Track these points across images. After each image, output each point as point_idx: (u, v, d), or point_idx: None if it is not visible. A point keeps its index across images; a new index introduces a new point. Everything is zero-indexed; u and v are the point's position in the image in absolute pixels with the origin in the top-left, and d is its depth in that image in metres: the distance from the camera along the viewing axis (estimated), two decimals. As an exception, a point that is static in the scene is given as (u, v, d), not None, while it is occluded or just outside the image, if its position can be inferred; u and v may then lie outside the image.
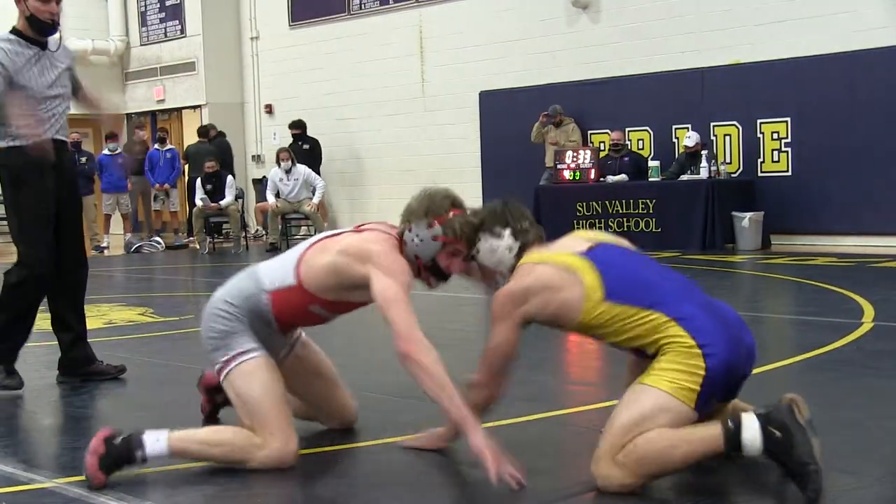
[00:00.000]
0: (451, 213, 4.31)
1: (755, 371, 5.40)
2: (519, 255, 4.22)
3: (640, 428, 3.76)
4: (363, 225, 4.61)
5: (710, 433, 3.74)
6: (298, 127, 18.09)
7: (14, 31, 6.07)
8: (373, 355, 7.14)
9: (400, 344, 4.06)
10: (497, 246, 4.26)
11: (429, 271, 4.42)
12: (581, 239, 4.23)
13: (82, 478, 4.17)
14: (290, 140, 18.06)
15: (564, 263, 4.05)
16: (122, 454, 4.14)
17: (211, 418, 4.95)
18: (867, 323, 7.42)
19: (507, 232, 4.24)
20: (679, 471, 3.83)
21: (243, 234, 18.01)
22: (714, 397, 3.86)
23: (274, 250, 16.64)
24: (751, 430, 3.68)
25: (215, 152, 17.89)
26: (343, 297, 4.40)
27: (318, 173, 17.68)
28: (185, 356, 7.18)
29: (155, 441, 4.16)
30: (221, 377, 4.35)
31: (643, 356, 4.01)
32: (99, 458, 4.10)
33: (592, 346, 7.13)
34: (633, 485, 3.78)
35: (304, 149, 17.81)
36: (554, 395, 5.91)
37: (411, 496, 4.01)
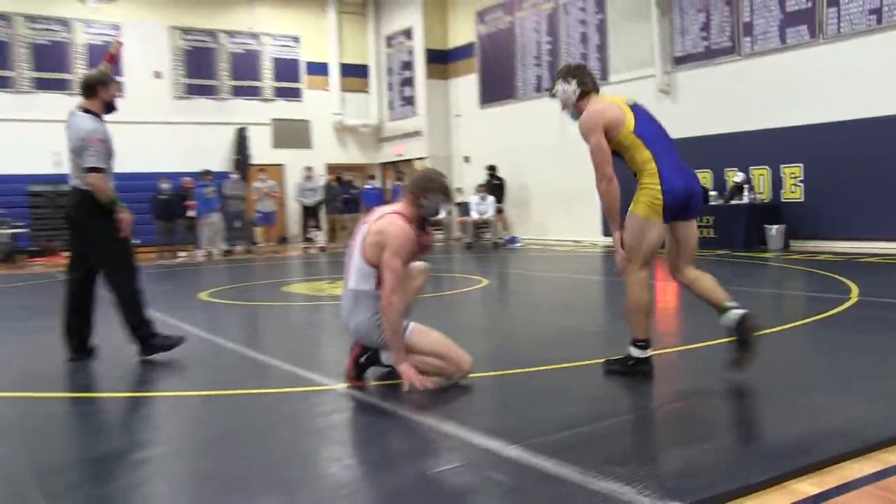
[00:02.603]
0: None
1: (779, 327, 5.42)
2: (580, 97, 4.38)
3: (639, 238, 4.18)
4: (382, 213, 4.37)
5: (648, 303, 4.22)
6: (492, 169, 17.84)
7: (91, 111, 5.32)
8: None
9: (383, 301, 4.09)
10: (566, 89, 4.39)
11: (420, 226, 4.36)
12: (622, 99, 4.36)
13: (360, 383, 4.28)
14: (486, 177, 17.72)
15: (619, 103, 4.29)
16: (368, 366, 4.26)
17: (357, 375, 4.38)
18: (854, 298, 7.13)
19: (575, 82, 4.38)
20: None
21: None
22: (671, 214, 4.19)
23: (469, 247, 16.83)
24: (735, 316, 4.06)
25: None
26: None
27: (503, 200, 17.79)
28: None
29: (387, 358, 4.25)
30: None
31: (636, 178, 4.29)
32: (354, 376, 4.28)
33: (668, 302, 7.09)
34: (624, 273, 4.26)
35: (494, 183, 17.67)
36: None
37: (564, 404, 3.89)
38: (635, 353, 4.25)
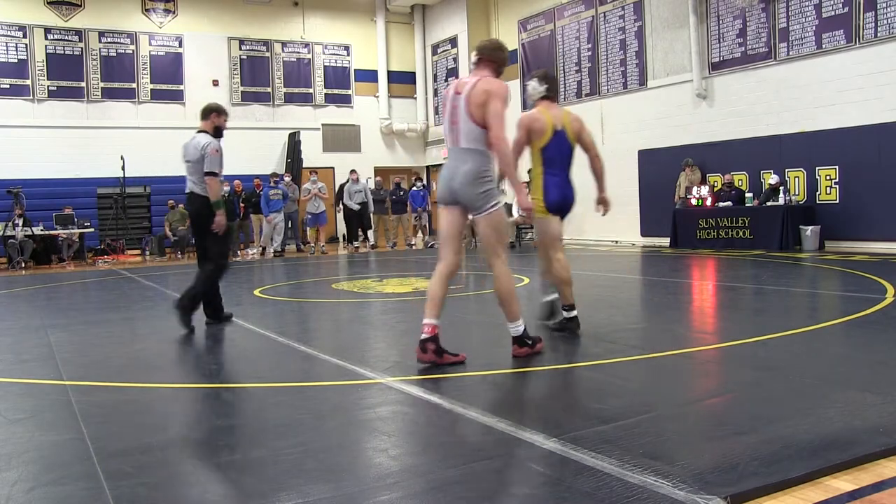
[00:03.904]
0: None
1: (815, 326, 5.33)
2: (543, 98, 5.54)
3: (544, 231, 5.57)
4: (473, 81, 4.61)
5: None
6: None
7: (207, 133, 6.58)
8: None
9: (492, 137, 4.46)
10: (535, 87, 5.59)
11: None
12: (565, 115, 5.56)
13: (406, 377, 4.32)
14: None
15: (548, 121, 5.45)
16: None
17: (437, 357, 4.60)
18: (890, 297, 7.00)
19: (545, 86, 5.56)
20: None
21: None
22: (556, 213, 5.56)
23: (511, 247, 16.79)
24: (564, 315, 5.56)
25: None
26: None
27: None
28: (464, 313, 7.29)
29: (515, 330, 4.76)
30: (484, 216, 4.60)
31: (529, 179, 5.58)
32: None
33: (703, 305, 6.95)
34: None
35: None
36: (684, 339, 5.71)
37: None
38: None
